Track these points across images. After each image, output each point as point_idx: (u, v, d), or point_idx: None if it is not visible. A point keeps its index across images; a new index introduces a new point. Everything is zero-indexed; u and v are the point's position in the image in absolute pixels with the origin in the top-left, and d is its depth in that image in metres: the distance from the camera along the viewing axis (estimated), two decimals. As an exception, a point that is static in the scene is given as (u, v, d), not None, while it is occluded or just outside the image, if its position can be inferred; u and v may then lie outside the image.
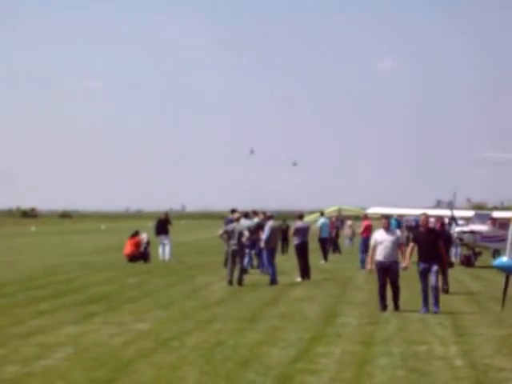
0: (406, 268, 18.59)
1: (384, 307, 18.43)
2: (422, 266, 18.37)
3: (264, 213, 30.15)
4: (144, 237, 34.24)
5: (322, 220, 35.72)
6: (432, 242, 18.35)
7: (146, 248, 33.89)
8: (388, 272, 18.50)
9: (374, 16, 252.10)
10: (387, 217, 19.89)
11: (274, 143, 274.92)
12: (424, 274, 18.30)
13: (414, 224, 53.90)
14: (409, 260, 18.64)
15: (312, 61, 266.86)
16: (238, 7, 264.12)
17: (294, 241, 26.39)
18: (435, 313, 17.86)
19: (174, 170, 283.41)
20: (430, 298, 18.19)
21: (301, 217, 27.50)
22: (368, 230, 30.69)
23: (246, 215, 30.20)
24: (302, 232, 26.31)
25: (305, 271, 25.91)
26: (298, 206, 50.92)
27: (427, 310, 18.05)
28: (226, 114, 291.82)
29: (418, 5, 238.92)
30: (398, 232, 19.75)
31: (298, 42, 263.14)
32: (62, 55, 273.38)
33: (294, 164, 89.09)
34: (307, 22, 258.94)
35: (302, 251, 26.02)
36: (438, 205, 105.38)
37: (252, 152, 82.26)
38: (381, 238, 18.58)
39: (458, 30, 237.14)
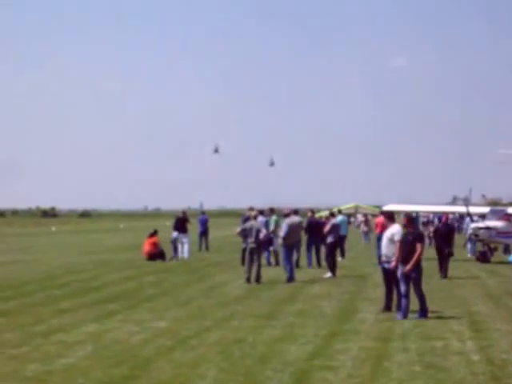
0: (393, 267, 17.11)
1: (384, 308, 17.62)
2: (400, 268, 16.93)
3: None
4: (175, 235, 34.41)
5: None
6: (409, 244, 16.83)
7: (175, 245, 34.18)
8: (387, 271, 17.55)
9: (386, 15, 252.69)
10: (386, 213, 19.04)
11: (290, 142, 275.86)
12: (402, 277, 16.86)
13: (425, 220, 54.23)
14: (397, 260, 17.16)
15: (322, 59, 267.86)
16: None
17: (329, 238, 26.41)
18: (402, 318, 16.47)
19: (192, 168, 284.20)
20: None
21: (333, 214, 27.55)
22: (382, 227, 30.72)
23: (262, 213, 30.35)
24: (337, 229, 26.49)
25: (333, 268, 26.04)
26: (314, 203, 50.88)
27: (403, 316, 16.62)
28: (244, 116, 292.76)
29: (431, 4, 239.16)
30: (395, 229, 17.59)
31: (309, 39, 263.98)
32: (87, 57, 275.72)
33: (272, 164, 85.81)
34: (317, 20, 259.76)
35: (335, 249, 26.23)
36: (454, 201, 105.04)
37: (217, 151, 79.99)
38: (384, 235, 17.92)
39: (469, 28, 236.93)
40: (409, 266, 16.65)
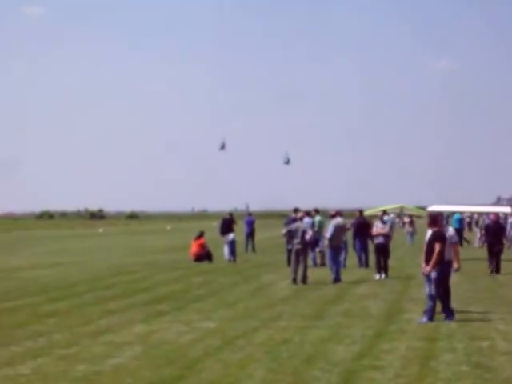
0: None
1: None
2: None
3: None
4: (232, 237, 34.35)
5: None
6: (431, 244, 16.34)
7: (234, 245, 34.22)
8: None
9: (431, 16, 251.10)
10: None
11: (330, 143, 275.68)
12: (427, 279, 16.48)
13: (469, 221, 53.91)
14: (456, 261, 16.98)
15: (367, 59, 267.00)
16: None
17: (380, 239, 26.18)
18: (422, 323, 16.09)
19: (238, 169, 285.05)
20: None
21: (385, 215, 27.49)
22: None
23: (309, 214, 30.35)
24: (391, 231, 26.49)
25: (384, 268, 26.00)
26: (358, 204, 50.76)
27: (429, 319, 16.21)
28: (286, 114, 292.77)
29: (475, 6, 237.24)
30: (450, 232, 17.38)
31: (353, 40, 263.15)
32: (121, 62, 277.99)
33: (287, 162, 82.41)
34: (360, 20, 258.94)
35: (386, 250, 26.15)
36: (499, 201, 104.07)
37: (223, 147, 77.29)
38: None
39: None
40: (429, 268, 16.22)
